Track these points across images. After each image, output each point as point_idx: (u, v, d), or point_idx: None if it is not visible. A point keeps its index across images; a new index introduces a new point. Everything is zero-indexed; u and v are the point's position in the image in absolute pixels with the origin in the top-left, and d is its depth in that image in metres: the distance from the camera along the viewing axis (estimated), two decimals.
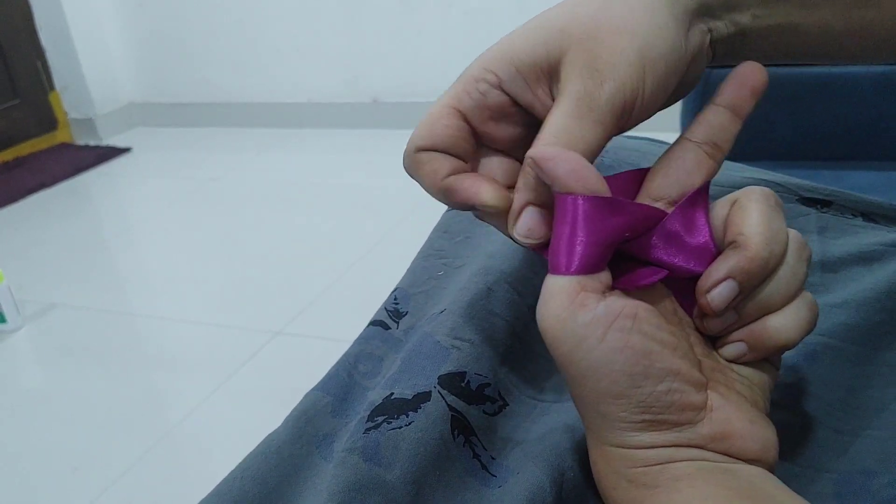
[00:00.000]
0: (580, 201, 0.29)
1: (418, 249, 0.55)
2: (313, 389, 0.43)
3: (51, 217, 2.46)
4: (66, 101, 3.13)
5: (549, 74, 0.33)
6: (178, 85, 3.20)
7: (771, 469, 0.30)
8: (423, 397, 0.39)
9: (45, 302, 1.86)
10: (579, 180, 0.29)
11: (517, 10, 2.51)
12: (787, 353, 0.40)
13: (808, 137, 1.25)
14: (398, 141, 2.93)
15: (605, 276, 0.30)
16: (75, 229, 2.35)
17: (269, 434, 0.41)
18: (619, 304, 0.29)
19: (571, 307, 0.29)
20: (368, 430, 0.38)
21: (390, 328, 0.48)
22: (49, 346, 1.71)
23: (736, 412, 0.30)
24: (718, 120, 0.33)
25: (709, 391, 0.30)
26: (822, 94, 1.23)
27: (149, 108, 3.27)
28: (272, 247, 2.05)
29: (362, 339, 0.47)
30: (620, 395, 0.28)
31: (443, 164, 0.35)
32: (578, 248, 0.29)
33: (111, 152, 2.95)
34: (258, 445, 0.40)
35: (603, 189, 0.29)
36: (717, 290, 0.30)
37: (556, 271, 0.30)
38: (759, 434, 0.30)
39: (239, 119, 3.11)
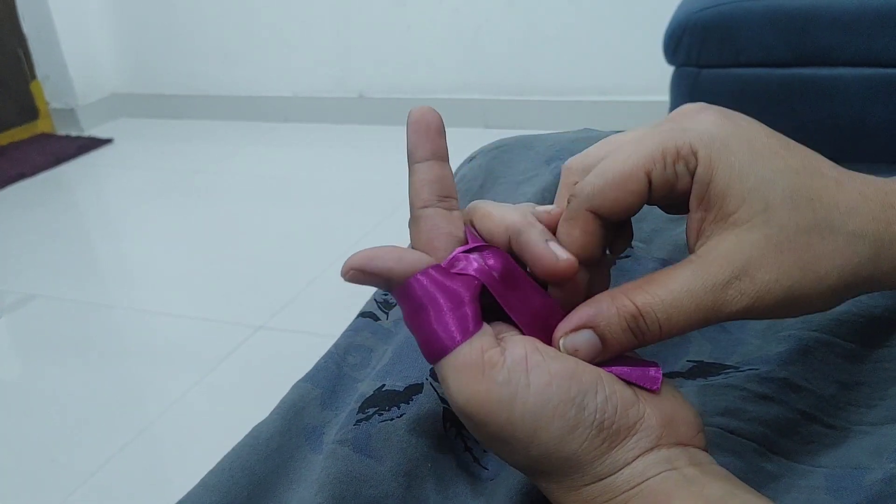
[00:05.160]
0: (426, 274, 0.30)
1: (404, 245, 0.55)
2: (302, 381, 0.43)
3: (31, 208, 2.43)
4: (48, 90, 3.09)
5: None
6: (162, 76, 3.17)
7: (704, 441, 0.30)
8: (415, 389, 0.39)
9: (24, 293, 1.84)
10: (413, 262, 0.30)
11: (507, 7, 2.50)
12: (780, 348, 0.40)
13: (795, 139, 1.25)
14: (384, 136, 2.90)
15: (489, 330, 0.30)
16: (56, 220, 2.32)
17: (257, 425, 0.40)
18: (519, 343, 0.29)
19: (484, 375, 0.28)
20: (359, 421, 0.37)
21: (380, 319, 0.48)
22: (28, 338, 1.69)
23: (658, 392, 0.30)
24: (431, 175, 0.33)
25: None
26: (810, 96, 1.23)
27: (131, 98, 3.24)
28: (256, 240, 2.04)
29: (351, 331, 0.47)
30: (574, 426, 0.28)
31: (598, 238, 0.31)
32: (449, 317, 0.29)
33: (93, 143, 2.91)
34: (245, 437, 0.40)
35: (430, 260, 0.30)
36: (556, 252, 0.30)
37: (445, 350, 0.29)
38: (682, 401, 0.30)
39: (224, 112, 3.09)
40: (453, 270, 0.31)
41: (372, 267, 0.30)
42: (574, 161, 0.33)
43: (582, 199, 0.30)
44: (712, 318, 0.28)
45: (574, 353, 0.29)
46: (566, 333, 0.30)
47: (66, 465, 1.26)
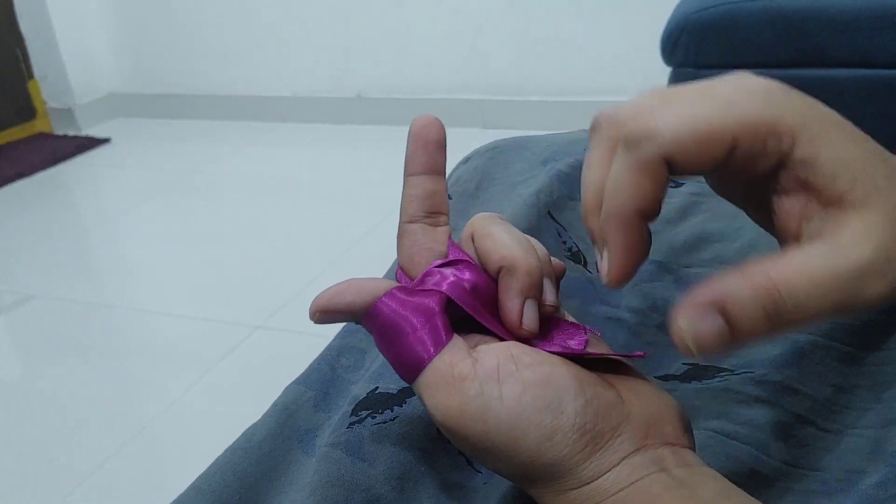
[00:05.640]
0: (390, 297, 0.30)
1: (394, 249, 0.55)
2: (294, 383, 0.43)
3: (28, 207, 2.42)
4: (46, 90, 3.09)
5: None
6: (160, 75, 3.17)
7: (692, 441, 0.30)
8: (409, 392, 0.39)
9: (22, 293, 1.84)
10: (372, 290, 0.30)
11: (506, 7, 2.50)
12: (775, 351, 0.39)
13: None
14: (383, 136, 2.90)
15: (459, 342, 0.30)
16: (53, 220, 2.32)
17: (249, 428, 0.40)
18: (493, 353, 0.29)
19: (455, 389, 0.28)
20: (352, 424, 0.37)
21: None
22: (26, 338, 1.69)
23: (638, 389, 0.30)
24: (421, 190, 0.33)
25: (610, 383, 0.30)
26: None
27: (129, 98, 3.24)
28: (254, 240, 2.04)
29: (345, 333, 0.47)
30: (553, 432, 0.27)
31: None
32: (419, 334, 0.29)
33: (90, 143, 2.91)
34: (237, 440, 0.40)
35: (390, 284, 0.31)
36: (525, 317, 0.30)
37: (422, 364, 0.29)
38: (668, 400, 0.30)
39: (222, 111, 3.08)
40: (426, 285, 0.31)
41: (334, 305, 0.31)
42: (614, 112, 0.28)
43: (660, 145, 0.25)
44: (847, 305, 0.25)
45: (699, 344, 0.25)
46: (687, 316, 0.25)
47: (65, 465, 1.26)
